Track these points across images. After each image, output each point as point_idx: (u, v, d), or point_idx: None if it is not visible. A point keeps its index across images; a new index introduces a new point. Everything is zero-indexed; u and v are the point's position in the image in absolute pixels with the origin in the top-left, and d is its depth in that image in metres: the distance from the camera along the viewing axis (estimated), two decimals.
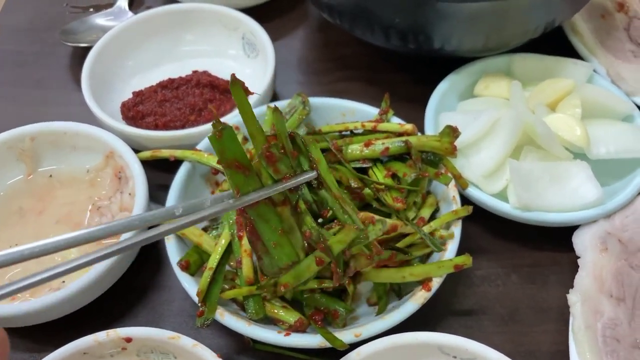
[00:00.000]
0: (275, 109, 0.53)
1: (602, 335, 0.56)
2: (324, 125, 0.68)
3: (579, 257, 0.62)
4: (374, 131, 0.66)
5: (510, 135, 0.66)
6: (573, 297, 0.58)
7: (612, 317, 0.58)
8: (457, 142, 0.64)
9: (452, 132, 0.63)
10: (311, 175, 0.52)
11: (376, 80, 0.85)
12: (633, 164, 0.67)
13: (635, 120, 0.71)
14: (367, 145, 0.63)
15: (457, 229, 0.60)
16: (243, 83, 0.47)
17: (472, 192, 0.65)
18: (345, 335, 0.53)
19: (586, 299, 0.58)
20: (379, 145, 0.63)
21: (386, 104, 0.71)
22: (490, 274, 0.65)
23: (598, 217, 0.63)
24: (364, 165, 0.63)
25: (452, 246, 0.59)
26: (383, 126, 0.66)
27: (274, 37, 0.82)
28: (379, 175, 0.62)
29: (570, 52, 0.80)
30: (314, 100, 0.71)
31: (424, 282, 0.57)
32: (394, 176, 0.62)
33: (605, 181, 0.67)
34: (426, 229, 0.59)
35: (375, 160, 0.64)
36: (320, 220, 0.54)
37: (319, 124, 0.71)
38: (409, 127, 0.65)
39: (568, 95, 0.71)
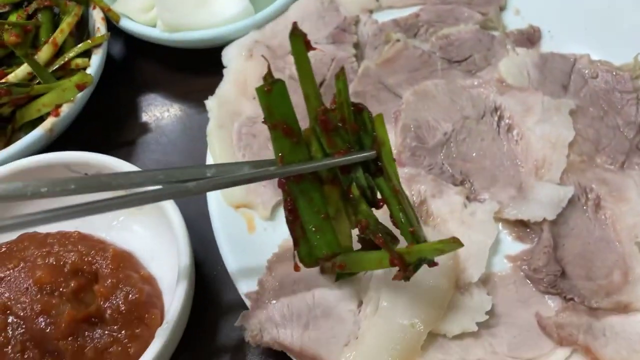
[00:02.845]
0: (342, 69, 0.43)
1: (238, 132, 0.59)
2: None
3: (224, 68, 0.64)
4: None
5: None
6: (210, 103, 0.60)
7: (251, 116, 0.61)
8: None
9: None
10: (369, 154, 0.44)
11: None
12: None
13: None
14: None
15: (96, 57, 0.61)
16: (305, 35, 0.39)
17: (124, 23, 0.65)
18: None
19: (224, 103, 0.60)
20: None
21: None
22: (162, 103, 0.67)
23: (247, 29, 0.65)
24: (3, 11, 0.62)
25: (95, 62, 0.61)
26: None
27: None
28: (12, 18, 0.62)
29: None
30: None
31: (54, 109, 0.58)
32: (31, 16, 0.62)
33: None
34: (60, 60, 0.60)
35: (19, 6, 0.63)
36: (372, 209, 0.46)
37: None
38: None
39: None
